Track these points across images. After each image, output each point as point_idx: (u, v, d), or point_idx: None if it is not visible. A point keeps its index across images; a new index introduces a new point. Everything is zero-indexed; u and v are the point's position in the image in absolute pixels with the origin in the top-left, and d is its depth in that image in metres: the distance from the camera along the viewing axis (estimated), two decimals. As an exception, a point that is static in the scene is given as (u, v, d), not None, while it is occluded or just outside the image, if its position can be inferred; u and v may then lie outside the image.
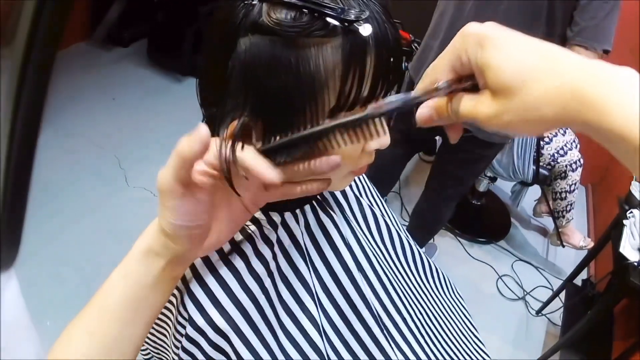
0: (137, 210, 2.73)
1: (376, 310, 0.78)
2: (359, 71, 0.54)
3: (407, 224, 2.66)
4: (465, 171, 2.24)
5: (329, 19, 0.51)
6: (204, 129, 0.48)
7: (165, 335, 0.73)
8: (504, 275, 2.85)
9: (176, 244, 0.54)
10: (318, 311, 0.72)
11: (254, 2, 0.52)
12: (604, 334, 2.28)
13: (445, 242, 2.98)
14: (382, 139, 0.62)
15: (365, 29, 0.52)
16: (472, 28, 0.45)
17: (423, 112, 0.49)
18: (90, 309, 0.57)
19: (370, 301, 0.76)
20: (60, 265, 2.37)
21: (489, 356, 1.06)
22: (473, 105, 0.46)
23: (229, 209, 0.58)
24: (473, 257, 2.93)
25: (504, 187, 3.39)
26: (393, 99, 0.51)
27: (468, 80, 0.47)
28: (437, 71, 0.48)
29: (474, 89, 0.47)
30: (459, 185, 2.31)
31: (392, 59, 0.56)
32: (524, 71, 0.41)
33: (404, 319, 0.83)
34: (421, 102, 0.50)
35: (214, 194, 0.54)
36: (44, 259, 2.37)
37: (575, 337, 2.12)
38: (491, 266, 2.88)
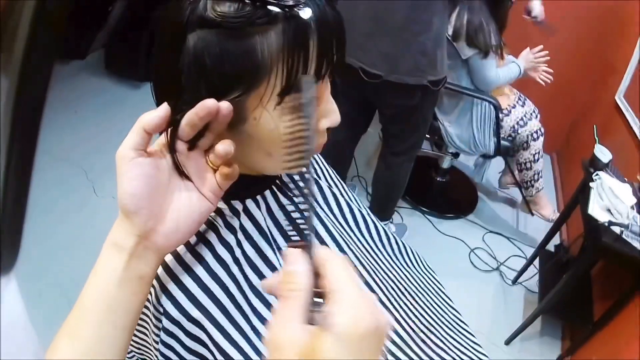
0: (108, 219, 2.69)
1: None
2: (303, 53, 0.56)
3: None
4: (401, 126, 2.34)
5: (270, 7, 0.54)
6: (165, 106, 0.53)
7: (145, 334, 0.74)
8: (476, 248, 2.88)
9: (131, 222, 0.56)
10: None
11: None
12: (583, 297, 2.31)
13: (414, 221, 3.01)
14: (333, 117, 0.66)
15: (305, 13, 0.55)
16: None
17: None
18: (71, 312, 0.57)
19: None
20: (37, 280, 2.33)
21: (465, 323, 1.08)
22: None
23: (187, 198, 0.59)
24: (443, 233, 2.96)
25: (468, 163, 3.43)
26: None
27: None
28: None
29: None
30: (401, 142, 2.41)
31: (334, 39, 0.59)
32: None
33: (374, 293, 0.84)
34: None
35: (167, 178, 0.57)
36: (19, 274, 2.32)
37: (553, 301, 2.15)
38: (462, 240, 2.92)
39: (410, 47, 1.97)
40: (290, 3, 0.54)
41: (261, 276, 0.72)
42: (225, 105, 0.54)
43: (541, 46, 2.67)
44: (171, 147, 0.56)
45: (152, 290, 0.67)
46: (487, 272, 2.77)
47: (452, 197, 3.28)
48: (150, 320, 0.69)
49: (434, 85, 2.08)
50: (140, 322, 0.73)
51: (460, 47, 2.46)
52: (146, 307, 0.69)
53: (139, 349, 0.78)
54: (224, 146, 0.57)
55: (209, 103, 0.53)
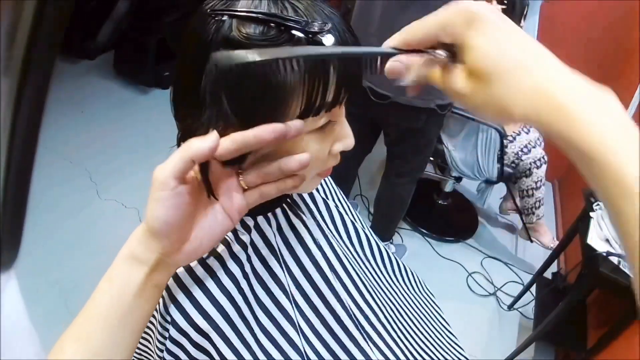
0: (109, 222, 2.73)
1: (349, 306, 0.80)
2: (323, 80, 0.57)
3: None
4: (405, 147, 2.35)
5: (294, 32, 0.55)
6: (215, 135, 0.51)
7: (148, 341, 0.75)
8: (474, 272, 2.88)
9: (159, 243, 0.56)
10: (293, 309, 0.75)
11: (223, 18, 0.56)
12: (578, 324, 2.31)
13: (414, 243, 3.01)
14: (347, 141, 0.67)
15: (328, 39, 0.55)
16: (465, 4, 0.44)
17: (395, 65, 0.50)
18: (79, 317, 0.57)
19: (343, 298, 0.79)
20: (35, 278, 2.33)
21: (461, 347, 1.08)
22: (446, 77, 0.47)
23: (212, 217, 0.59)
24: (442, 256, 2.96)
25: (470, 187, 3.43)
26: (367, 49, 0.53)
27: (446, 50, 0.47)
28: (416, 32, 0.48)
29: (450, 57, 0.47)
30: (405, 164, 2.42)
31: (353, 66, 0.60)
32: (506, 63, 0.42)
33: (376, 315, 0.85)
34: (392, 55, 0.50)
35: (197, 199, 0.57)
36: (18, 273, 2.32)
37: (548, 328, 2.14)
38: (460, 264, 2.92)
39: None
40: (315, 29, 0.55)
41: (269, 292, 0.74)
42: (298, 125, 0.54)
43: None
44: (204, 169, 0.55)
45: (160, 299, 0.68)
46: (484, 297, 2.77)
47: (452, 220, 3.29)
48: (156, 327, 0.70)
49: (441, 109, 2.09)
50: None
51: None
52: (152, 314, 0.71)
53: (139, 353, 0.79)
54: (295, 182, 0.60)
55: (279, 127, 0.53)
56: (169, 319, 0.66)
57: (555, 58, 0.43)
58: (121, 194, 2.92)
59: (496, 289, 2.80)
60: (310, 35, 0.55)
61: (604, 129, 0.39)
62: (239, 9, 0.56)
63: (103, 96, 3.79)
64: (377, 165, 3.45)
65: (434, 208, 3.27)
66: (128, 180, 3.00)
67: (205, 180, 0.56)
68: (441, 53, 0.48)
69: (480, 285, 2.82)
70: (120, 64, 3.93)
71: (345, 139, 0.67)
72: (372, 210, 3.09)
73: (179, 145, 0.70)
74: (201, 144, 0.50)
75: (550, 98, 0.40)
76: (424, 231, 3.09)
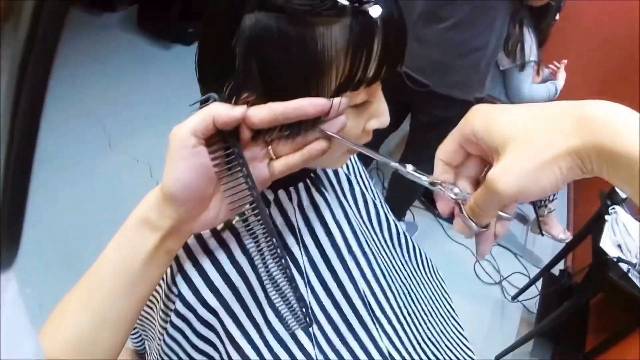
0: (120, 175, 2.73)
1: (364, 292, 0.77)
2: (366, 52, 0.53)
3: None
4: (432, 134, 2.28)
5: None
6: (243, 109, 0.49)
7: (152, 308, 0.73)
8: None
9: (175, 209, 0.52)
10: (306, 290, 0.72)
11: None
12: (578, 325, 2.31)
13: (426, 223, 3.00)
14: (382, 119, 0.62)
15: (375, 10, 0.51)
16: (477, 110, 0.48)
17: (460, 228, 0.56)
18: (83, 281, 0.55)
19: (358, 283, 0.76)
20: (48, 233, 2.34)
21: (466, 338, 1.07)
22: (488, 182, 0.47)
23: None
24: (452, 239, 2.95)
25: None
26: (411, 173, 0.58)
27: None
28: (449, 155, 0.53)
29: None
30: (427, 150, 2.34)
31: (398, 41, 0.56)
32: (529, 128, 0.44)
33: (388, 302, 0.82)
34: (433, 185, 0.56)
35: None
36: (29, 229, 2.33)
37: (550, 326, 2.14)
38: (469, 249, 2.90)
39: (464, 60, 1.94)
40: None
41: None
42: (343, 102, 0.53)
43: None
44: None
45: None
46: (489, 285, 2.77)
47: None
48: (161, 296, 0.68)
49: (477, 102, 2.05)
50: None
51: (499, 57, 2.43)
52: None
53: (141, 321, 0.77)
54: (322, 145, 0.56)
55: (322, 102, 0.51)
56: (175, 290, 0.64)
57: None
58: (134, 148, 2.92)
59: (502, 278, 2.79)
60: (356, 4, 0.51)
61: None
62: None
63: (125, 50, 3.77)
64: (395, 140, 3.41)
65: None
66: (141, 135, 3.00)
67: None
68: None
69: (487, 273, 2.81)
70: (144, 19, 3.89)
71: (381, 116, 0.62)
72: (386, 185, 3.06)
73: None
74: (227, 111, 0.48)
75: (587, 119, 0.41)
76: (437, 211, 3.04)
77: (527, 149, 0.44)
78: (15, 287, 0.39)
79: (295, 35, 0.50)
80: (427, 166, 2.08)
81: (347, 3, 0.50)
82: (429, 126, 2.28)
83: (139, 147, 2.92)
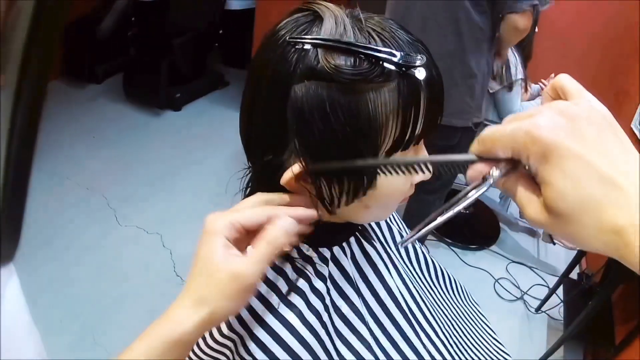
0: (131, 248, 2.72)
1: (420, 335, 0.79)
2: (413, 112, 0.56)
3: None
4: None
5: (386, 65, 0.53)
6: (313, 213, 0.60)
7: None
8: (500, 278, 2.89)
9: (208, 320, 0.55)
10: (372, 340, 0.73)
11: (306, 47, 0.53)
12: (604, 321, 2.31)
13: (440, 253, 3.02)
14: (426, 172, 0.65)
15: (420, 73, 0.54)
16: (540, 133, 0.41)
17: (474, 176, 0.51)
18: None
19: (416, 327, 0.79)
20: (59, 311, 2.33)
21: (510, 355, 1.09)
22: (525, 200, 0.45)
23: None
24: (468, 264, 2.97)
25: (490, 195, 3.44)
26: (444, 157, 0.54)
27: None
28: (496, 144, 0.46)
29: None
30: (436, 180, 2.36)
31: (439, 99, 0.60)
32: (583, 204, 0.40)
33: (440, 340, 0.84)
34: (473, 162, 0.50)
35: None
36: (42, 306, 2.31)
37: (579, 328, 2.15)
38: (486, 271, 2.93)
39: (459, 89, 1.99)
40: (411, 63, 0.53)
41: (347, 323, 0.72)
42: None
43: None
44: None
45: (235, 336, 0.67)
46: (511, 302, 2.79)
47: (475, 228, 3.30)
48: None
49: (476, 126, 2.11)
50: None
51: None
52: (223, 353, 0.70)
53: None
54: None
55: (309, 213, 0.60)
56: (249, 358, 0.65)
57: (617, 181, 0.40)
58: (141, 219, 2.91)
59: (523, 293, 2.81)
60: (404, 69, 0.53)
61: None
62: (325, 38, 0.53)
63: (114, 120, 3.78)
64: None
65: (457, 217, 3.24)
66: (145, 204, 3.00)
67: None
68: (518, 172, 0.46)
69: (507, 291, 2.83)
70: (130, 87, 3.92)
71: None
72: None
73: (248, 188, 0.71)
74: (285, 239, 0.57)
75: (622, 236, 0.40)
76: (449, 241, 3.10)
77: None
78: (16, 282, 0.39)
79: (347, 102, 0.53)
80: (437, 195, 2.10)
81: (395, 68, 0.53)
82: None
83: (145, 218, 2.92)
